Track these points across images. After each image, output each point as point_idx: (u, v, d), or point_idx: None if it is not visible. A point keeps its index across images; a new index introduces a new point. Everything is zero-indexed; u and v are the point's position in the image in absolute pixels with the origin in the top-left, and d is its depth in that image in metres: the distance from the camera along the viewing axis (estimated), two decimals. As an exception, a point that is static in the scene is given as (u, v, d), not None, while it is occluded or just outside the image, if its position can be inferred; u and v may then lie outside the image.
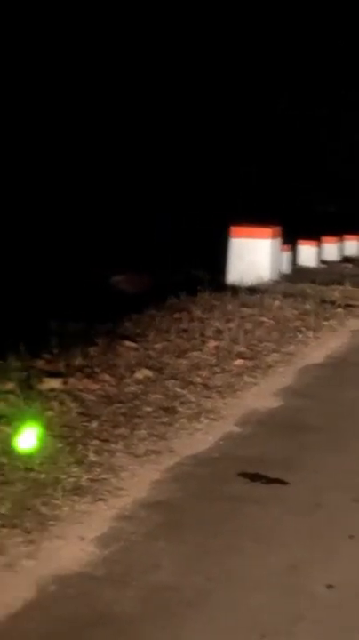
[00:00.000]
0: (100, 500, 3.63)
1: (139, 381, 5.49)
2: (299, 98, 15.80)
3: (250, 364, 6.35)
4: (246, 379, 5.93)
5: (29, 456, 3.92)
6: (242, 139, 15.32)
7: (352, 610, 2.83)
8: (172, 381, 5.58)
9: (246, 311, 8.38)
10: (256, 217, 11.59)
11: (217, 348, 6.72)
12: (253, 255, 11.14)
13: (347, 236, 17.58)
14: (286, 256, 13.26)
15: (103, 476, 3.87)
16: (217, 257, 11.43)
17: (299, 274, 12.88)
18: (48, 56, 11.81)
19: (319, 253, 15.67)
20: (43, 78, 11.74)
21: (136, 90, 12.90)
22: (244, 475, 4.04)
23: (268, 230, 11.49)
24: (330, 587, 2.97)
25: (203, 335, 7.08)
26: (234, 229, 11.39)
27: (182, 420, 4.83)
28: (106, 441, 4.32)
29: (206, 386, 5.60)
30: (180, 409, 5.02)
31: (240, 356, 6.55)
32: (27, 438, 4.08)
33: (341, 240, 17.20)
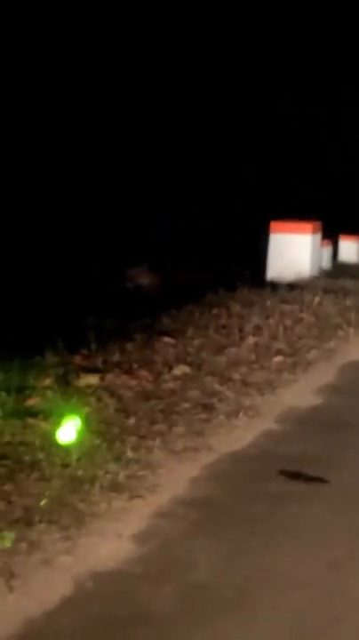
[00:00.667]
0: (138, 496, 3.60)
1: (177, 378, 5.46)
2: (300, 97, 15.67)
3: (289, 360, 6.28)
4: (285, 376, 5.87)
5: (67, 452, 3.91)
6: (281, 132, 15.24)
7: (394, 611, 2.77)
8: (211, 378, 5.53)
9: (286, 307, 8.30)
10: (296, 212, 11.48)
11: (256, 344, 6.66)
12: (293, 251, 11.04)
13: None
14: (326, 252, 13.13)
15: (141, 473, 3.84)
16: (256, 253, 11.36)
17: (339, 269, 12.74)
18: (47, 55, 11.83)
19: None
20: (43, 78, 11.78)
21: (136, 89, 12.87)
22: (284, 473, 3.99)
23: (308, 225, 11.38)
24: (371, 587, 2.91)
25: (241, 331, 7.02)
26: (273, 225, 11.30)
27: (220, 417, 4.79)
28: (143, 437, 4.30)
29: (245, 382, 5.54)
30: (219, 406, 4.98)
31: (279, 352, 6.48)
32: (65, 434, 4.07)
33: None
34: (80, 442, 4.05)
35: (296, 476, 3.95)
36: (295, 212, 11.45)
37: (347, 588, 2.91)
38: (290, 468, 4.03)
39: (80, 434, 4.14)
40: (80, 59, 12.34)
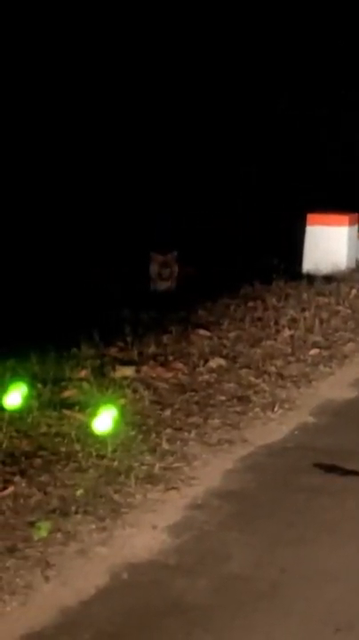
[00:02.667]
0: (173, 488, 3.62)
1: (212, 370, 5.46)
2: (301, 97, 15.47)
3: (325, 353, 6.25)
4: (322, 368, 5.83)
5: (102, 444, 3.93)
6: (315, 122, 15.11)
7: None
8: (246, 370, 5.53)
9: (322, 300, 8.24)
10: (332, 204, 11.38)
11: (292, 337, 6.63)
12: (329, 243, 10.93)
13: None
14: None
15: (176, 465, 3.85)
16: (292, 245, 11.29)
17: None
18: (47, 54, 11.84)
19: None
20: (42, 76, 11.79)
21: (136, 88, 12.82)
22: (319, 466, 3.97)
23: (345, 217, 11.26)
24: None
25: (277, 324, 6.99)
26: (310, 217, 11.20)
27: (256, 410, 4.78)
28: (179, 429, 4.31)
29: (281, 375, 5.53)
30: (254, 398, 4.97)
31: (315, 345, 6.44)
32: (101, 426, 4.10)
33: None
34: (116, 433, 4.07)
35: (331, 469, 3.93)
36: (331, 204, 11.35)
37: (382, 582, 2.90)
38: (325, 462, 4.02)
39: (116, 424, 4.16)
40: (81, 57, 12.35)
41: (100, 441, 3.96)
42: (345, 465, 3.98)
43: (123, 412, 4.40)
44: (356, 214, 11.30)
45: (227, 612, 2.70)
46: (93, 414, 4.21)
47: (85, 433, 4.04)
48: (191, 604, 2.74)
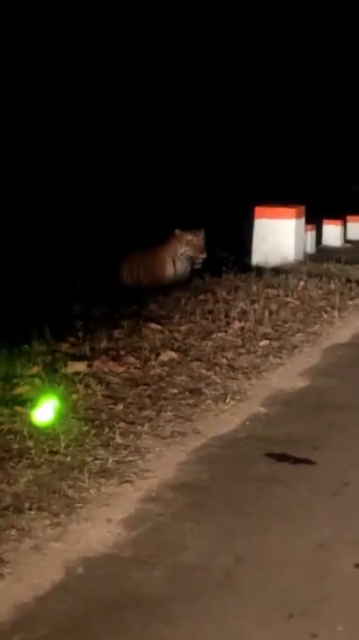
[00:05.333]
0: (127, 481, 3.63)
1: (164, 363, 5.48)
2: (251, 90, 15.62)
3: (275, 344, 6.32)
4: (272, 359, 5.90)
5: (55, 439, 3.93)
6: (263, 116, 15.21)
7: (381, 589, 2.82)
8: (198, 363, 5.56)
9: (271, 292, 8.33)
10: (279, 197, 11.49)
11: (242, 329, 6.69)
12: (277, 236, 11.06)
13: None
14: (310, 236, 13.16)
15: (129, 458, 3.87)
16: (241, 238, 11.37)
17: (323, 254, 12.78)
18: (46, 53, 11.77)
19: (344, 232, 15.54)
20: (43, 73, 11.72)
21: (135, 77, 12.84)
22: (271, 455, 4.02)
23: (292, 210, 11.40)
24: (358, 566, 2.95)
25: (227, 316, 7.05)
26: (258, 210, 11.32)
27: (208, 402, 4.82)
28: (132, 423, 4.33)
29: (232, 367, 5.58)
30: (206, 390, 5.01)
31: (265, 336, 6.51)
32: (53, 421, 4.09)
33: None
34: (69, 428, 4.07)
35: (282, 458, 3.99)
36: (278, 197, 11.45)
37: (334, 568, 2.95)
38: (277, 451, 4.07)
39: (68, 419, 4.16)
40: (79, 55, 12.30)
41: (53, 437, 3.96)
42: (296, 454, 4.03)
43: (75, 407, 4.40)
44: (303, 207, 11.43)
45: (182, 601, 2.73)
46: (45, 410, 4.20)
47: (38, 429, 4.03)
48: (147, 595, 2.76)
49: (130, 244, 10.32)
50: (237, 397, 4.95)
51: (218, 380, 5.23)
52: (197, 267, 9.67)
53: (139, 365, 5.36)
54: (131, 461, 3.84)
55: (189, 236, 9.83)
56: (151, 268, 9.95)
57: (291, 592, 2.79)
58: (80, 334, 5.85)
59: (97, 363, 5.27)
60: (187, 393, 4.92)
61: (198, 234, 9.88)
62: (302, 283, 8.90)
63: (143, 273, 9.96)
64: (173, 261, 9.80)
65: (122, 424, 4.28)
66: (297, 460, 3.96)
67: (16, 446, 3.84)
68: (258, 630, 2.57)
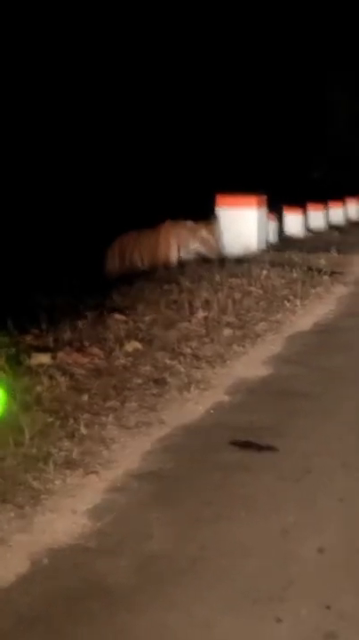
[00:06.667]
0: (92, 472, 3.64)
1: (128, 354, 5.49)
2: (209, 78, 15.63)
3: (239, 333, 6.36)
4: (235, 348, 5.94)
5: (20, 431, 3.92)
6: (225, 102, 15.20)
7: (342, 573, 2.86)
8: (162, 353, 5.58)
9: (234, 281, 8.37)
10: (241, 185, 11.52)
11: (206, 318, 6.72)
12: (240, 225, 11.10)
13: (332, 204, 17.53)
14: (272, 225, 13.22)
15: (94, 449, 3.88)
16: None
17: (285, 242, 12.87)
18: (43, 43, 11.69)
19: (305, 221, 15.63)
20: (40, 60, 11.63)
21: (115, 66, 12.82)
22: (235, 443, 4.06)
23: (254, 199, 11.44)
24: (321, 550, 3.00)
25: (191, 306, 7.07)
26: (219, 199, 11.34)
27: (172, 391, 4.84)
28: (96, 414, 4.33)
29: (196, 356, 5.60)
30: (170, 380, 5.03)
31: (229, 325, 6.55)
32: (17, 414, 4.08)
33: (327, 207, 17.14)
34: (33, 421, 4.06)
35: (247, 445, 4.02)
36: (239, 186, 11.48)
37: (298, 554, 2.99)
38: (241, 439, 4.11)
39: (32, 413, 4.15)
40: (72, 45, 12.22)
41: (18, 429, 3.95)
42: (260, 441, 4.07)
43: (39, 398, 4.39)
44: (265, 196, 11.47)
45: (148, 590, 2.75)
46: (9, 403, 4.18)
47: (1, 422, 4.02)
48: (113, 585, 2.77)
49: (115, 227, 10.17)
50: (201, 386, 4.98)
51: (182, 370, 5.25)
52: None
53: (103, 356, 5.36)
54: (96, 452, 3.85)
55: (204, 233, 9.68)
56: (150, 251, 9.73)
57: (255, 578, 2.82)
58: (43, 326, 5.83)
59: (61, 354, 5.26)
60: (151, 383, 4.94)
61: (213, 230, 9.69)
62: (265, 272, 8.96)
63: (139, 256, 9.74)
64: (178, 249, 9.63)
65: (86, 415, 4.28)
66: (261, 448, 4.00)
67: (-20, 439, 3.83)
68: (223, 616, 2.60)
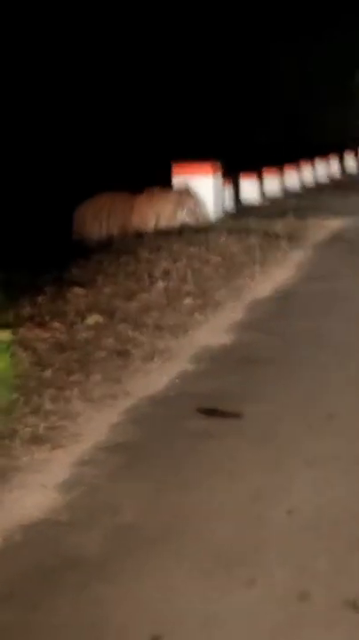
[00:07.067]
0: (59, 447, 3.63)
1: (90, 327, 5.48)
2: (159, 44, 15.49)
3: (199, 301, 6.37)
4: (197, 317, 5.95)
5: (-16, 409, 3.90)
6: (175, 68, 15.03)
7: (313, 533, 2.91)
8: (124, 325, 5.57)
9: (192, 250, 8.37)
10: (195, 153, 11.46)
11: (166, 288, 6.72)
12: (196, 193, 11.06)
13: (287, 168, 17.53)
14: (228, 191, 13.20)
15: (60, 424, 3.87)
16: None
17: (242, 209, 12.87)
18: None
19: (261, 187, 15.62)
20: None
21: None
22: (201, 411, 4.08)
23: (209, 166, 11.40)
24: (290, 512, 3.04)
25: (151, 276, 7.07)
26: (175, 167, 11.28)
27: (136, 363, 4.84)
28: (61, 389, 4.32)
29: (158, 326, 5.60)
30: (133, 351, 5.03)
31: (189, 294, 6.56)
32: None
33: (282, 172, 17.15)
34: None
35: (213, 413, 4.05)
36: (194, 152, 11.43)
37: (268, 517, 3.03)
38: (207, 406, 4.13)
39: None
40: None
41: (-18, 407, 3.93)
42: (225, 408, 4.10)
43: (2, 375, 4.37)
44: (219, 162, 11.43)
45: (121, 561, 2.77)
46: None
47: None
48: (85, 557, 2.79)
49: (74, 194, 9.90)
50: (165, 356, 4.99)
51: (145, 341, 5.25)
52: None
53: (64, 330, 5.34)
54: (62, 427, 3.85)
55: (192, 204, 9.57)
56: (123, 218, 9.51)
57: (227, 543, 2.86)
58: (2, 302, 5.78)
59: (22, 330, 5.23)
60: (114, 355, 4.94)
61: (198, 200, 9.57)
62: (223, 239, 8.97)
63: (115, 219, 9.49)
64: (157, 219, 9.47)
65: (51, 390, 4.27)
66: (226, 415, 4.02)
67: None
68: (197, 581, 2.63)
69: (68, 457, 3.55)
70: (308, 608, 2.49)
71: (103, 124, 12.97)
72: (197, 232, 9.40)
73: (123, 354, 4.97)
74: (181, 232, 9.34)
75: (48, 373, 4.52)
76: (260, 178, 15.70)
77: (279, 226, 10.40)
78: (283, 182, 17.05)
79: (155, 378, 4.62)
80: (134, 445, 3.71)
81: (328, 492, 3.20)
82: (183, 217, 9.51)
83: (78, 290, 6.42)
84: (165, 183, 10.90)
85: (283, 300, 6.68)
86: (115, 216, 9.57)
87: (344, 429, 3.82)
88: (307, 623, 2.41)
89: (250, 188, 14.93)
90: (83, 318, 5.62)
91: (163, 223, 9.48)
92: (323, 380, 4.53)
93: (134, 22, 14.30)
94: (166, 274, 7.17)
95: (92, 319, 5.61)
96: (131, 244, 8.67)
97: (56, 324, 5.43)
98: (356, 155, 24.24)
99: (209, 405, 4.14)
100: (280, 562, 2.72)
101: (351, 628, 2.38)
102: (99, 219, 9.58)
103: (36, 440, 3.66)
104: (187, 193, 9.60)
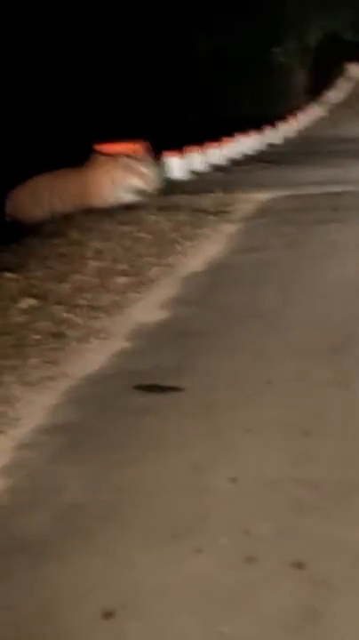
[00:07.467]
0: (-1, 432, 3.61)
1: (24, 311, 5.43)
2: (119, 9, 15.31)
3: (133, 280, 6.37)
4: (131, 295, 5.95)
5: None
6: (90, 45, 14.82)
7: (256, 499, 2.95)
8: (58, 307, 5.54)
9: (123, 229, 8.34)
10: (120, 134, 11.39)
11: (98, 268, 6.69)
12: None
13: (210, 145, 17.57)
14: (153, 170, 13.14)
15: (-1, 409, 3.84)
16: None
17: (169, 186, 12.85)
18: None
19: (187, 164, 15.62)
20: None
21: None
22: (140, 387, 4.09)
23: (133, 146, 11.33)
24: (233, 480, 3.08)
25: (83, 257, 7.03)
26: (98, 148, 11.18)
27: (72, 344, 4.82)
28: (-3, 374, 4.28)
29: (92, 307, 5.59)
30: (69, 333, 5.01)
31: (122, 273, 6.54)
32: None
33: (205, 149, 17.18)
34: None
35: (151, 388, 4.06)
36: (118, 133, 11.35)
37: (211, 485, 3.06)
38: (145, 382, 4.14)
39: None
40: None
41: None
42: (164, 383, 4.12)
43: None
44: (144, 142, 11.38)
45: (68, 539, 2.77)
46: None
47: None
48: (31, 538, 2.78)
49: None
50: (101, 336, 4.98)
51: (80, 322, 5.23)
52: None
53: (-2, 316, 5.28)
54: (1, 412, 3.81)
55: (143, 169, 9.30)
56: (77, 192, 9.22)
57: (172, 513, 2.88)
58: None
59: None
60: (50, 337, 4.91)
61: (149, 164, 9.29)
62: (153, 217, 8.96)
63: (61, 198, 9.20)
64: (113, 186, 9.14)
65: (-13, 376, 4.23)
66: (165, 389, 4.04)
67: None
68: (145, 553, 2.65)
69: (9, 442, 3.53)
70: (256, 571, 2.53)
71: (24, 109, 12.78)
72: (128, 210, 9.36)
73: (59, 336, 4.94)
74: (112, 211, 9.27)
75: (-17, 360, 4.47)
76: (186, 155, 15.70)
77: (207, 201, 10.43)
78: (208, 159, 17.09)
79: (92, 358, 4.61)
80: (75, 426, 3.70)
81: (269, 457, 3.25)
82: (134, 183, 9.31)
83: (9, 275, 6.34)
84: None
85: (216, 273, 6.72)
86: (60, 194, 9.28)
87: (282, 395, 3.88)
88: (256, 585, 2.46)
89: (176, 166, 14.90)
90: (16, 302, 5.56)
91: (117, 190, 9.24)
92: (259, 348, 4.58)
93: (50, 12, 14.08)
94: (98, 254, 7.14)
95: (25, 303, 5.56)
96: (62, 225, 8.59)
97: (-11, 311, 5.37)
98: (279, 129, 24.41)
99: (148, 382, 4.16)
100: (226, 528, 2.76)
101: (298, 587, 2.44)
102: (40, 201, 9.32)
103: (-24, 427, 3.62)
104: (139, 158, 9.39)
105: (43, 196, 9.32)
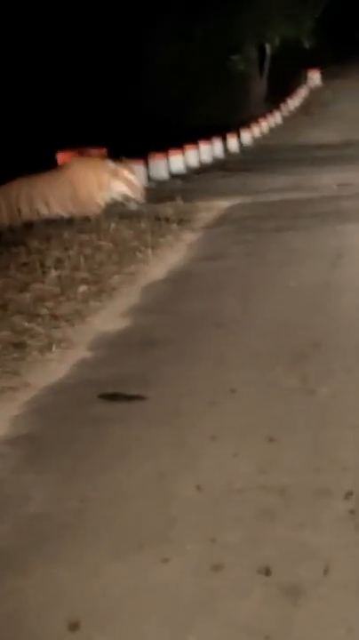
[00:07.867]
0: None
1: (-17, 321, 5.37)
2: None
3: (94, 288, 6.34)
4: (92, 304, 5.92)
5: None
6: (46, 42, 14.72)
7: (221, 507, 2.95)
8: (18, 316, 5.49)
9: (84, 237, 8.30)
10: (81, 141, 11.34)
11: (59, 277, 6.65)
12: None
13: (172, 152, 17.61)
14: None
15: None
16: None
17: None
18: None
19: (147, 171, 15.62)
20: None
21: None
22: (103, 396, 4.07)
23: (95, 154, 11.30)
24: (198, 488, 3.07)
25: (43, 266, 6.97)
26: (60, 157, 11.13)
27: (34, 353, 4.78)
28: None
29: (53, 316, 5.55)
30: (30, 342, 4.97)
31: (83, 282, 6.51)
32: None
33: (167, 156, 17.20)
34: None
35: (115, 397, 4.04)
36: (80, 141, 11.31)
37: (177, 494, 3.06)
38: (109, 391, 4.12)
39: None
40: None
41: None
42: (127, 391, 4.10)
43: None
44: (104, 149, 11.35)
45: (33, 550, 2.74)
46: None
47: None
48: (-3, 550, 2.75)
49: None
50: (63, 345, 4.94)
51: (41, 331, 5.19)
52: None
53: None
54: None
55: (130, 175, 9.17)
56: (64, 196, 9.07)
57: (138, 522, 2.87)
58: None
59: None
60: (11, 347, 4.86)
61: (134, 170, 9.15)
62: (113, 225, 8.92)
63: (44, 203, 9.00)
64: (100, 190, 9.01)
65: None
66: (129, 398, 4.03)
67: None
68: (111, 563, 2.63)
69: (-29, 453, 3.48)
70: (223, 578, 2.53)
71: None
72: (88, 219, 9.31)
73: (20, 345, 4.90)
74: (72, 220, 9.21)
75: None
76: (147, 162, 15.70)
77: (168, 209, 10.43)
78: (168, 166, 17.10)
79: (54, 367, 4.58)
80: (38, 436, 3.67)
81: (234, 464, 3.25)
82: (120, 189, 9.21)
83: (-32, 285, 6.28)
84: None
85: (177, 281, 6.71)
86: (37, 199, 9.11)
87: (245, 403, 3.88)
88: (223, 593, 2.46)
89: (137, 173, 14.88)
90: (-24, 313, 5.50)
91: (103, 193, 9.13)
92: (221, 356, 4.59)
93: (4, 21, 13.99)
94: (59, 262, 7.10)
95: (-14, 313, 5.51)
96: (21, 234, 8.53)
97: None
98: (238, 137, 24.54)
99: (111, 390, 4.14)
100: (192, 536, 2.76)
101: (265, 593, 2.44)
102: (12, 206, 9.14)
103: None
104: (124, 164, 9.29)
105: (19, 201, 9.17)
